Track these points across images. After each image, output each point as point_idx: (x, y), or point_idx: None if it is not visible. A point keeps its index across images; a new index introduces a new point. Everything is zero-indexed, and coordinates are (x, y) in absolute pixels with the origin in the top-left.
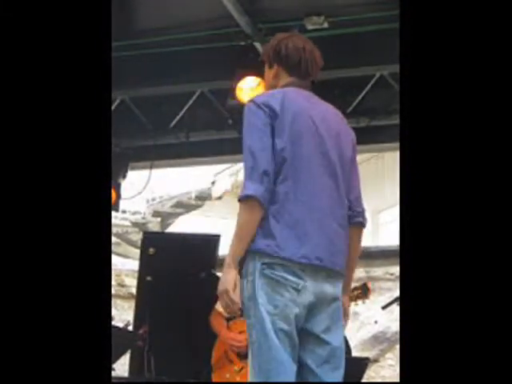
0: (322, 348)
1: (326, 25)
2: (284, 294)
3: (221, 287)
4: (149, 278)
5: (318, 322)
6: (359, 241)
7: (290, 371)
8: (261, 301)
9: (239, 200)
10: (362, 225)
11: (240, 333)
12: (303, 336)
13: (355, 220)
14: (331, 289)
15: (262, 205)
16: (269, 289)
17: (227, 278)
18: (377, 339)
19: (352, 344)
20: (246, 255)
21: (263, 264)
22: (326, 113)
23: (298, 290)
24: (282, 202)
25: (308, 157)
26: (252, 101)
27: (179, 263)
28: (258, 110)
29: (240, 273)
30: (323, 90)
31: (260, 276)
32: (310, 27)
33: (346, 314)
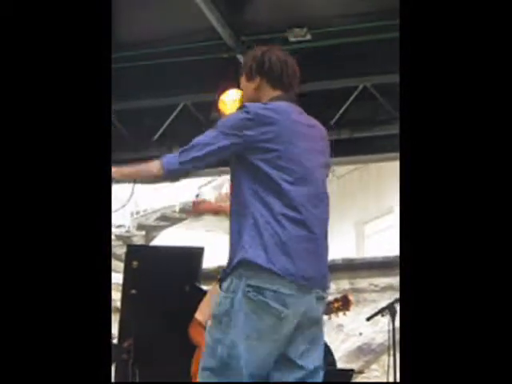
0: (297, 372)
1: (308, 37)
2: (265, 319)
3: None
4: (133, 291)
5: (295, 348)
6: None
7: None
8: (239, 323)
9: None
10: None
11: None
12: (280, 360)
13: None
14: (315, 311)
15: (163, 166)
16: (250, 312)
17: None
18: (362, 351)
19: (337, 356)
20: (231, 269)
21: (248, 286)
22: (317, 131)
23: (279, 318)
24: (276, 220)
25: (309, 170)
26: (246, 109)
27: (163, 276)
28: (245, 119)
29: (220, 285)
30: (306, 102)
31: (243, 297)
32: (292, 39)
33: None
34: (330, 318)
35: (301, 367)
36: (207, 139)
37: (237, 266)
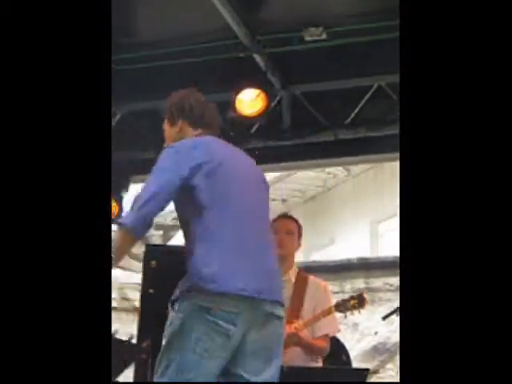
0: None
1: (324, 36)
2: (215, 338)
3: None
4: (151, 291)
5: (247, 366)
6: None
7: None
8: (189, 343)
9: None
10: None
11: None
12: (227, 376)
13: None
14: (265, 330)
15: (129, 231)
16: (200, 332)
17: None
18: (377, 350)
19: (352, 355)
20: (181, 293)
21: (197, 306)
22: (244, 159)
23: (228, 336)
24: (214, 239)
25: (237, 201)
26: (171, 146)
27: (181, 275)
28: (174, 153)
29: (172, 305)
30: (322, 101)
31: (192, 318)
32: (308, 38)
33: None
34: (345, 317)
35: (247, 381)
36: (147, 186)
37: (189, 289)
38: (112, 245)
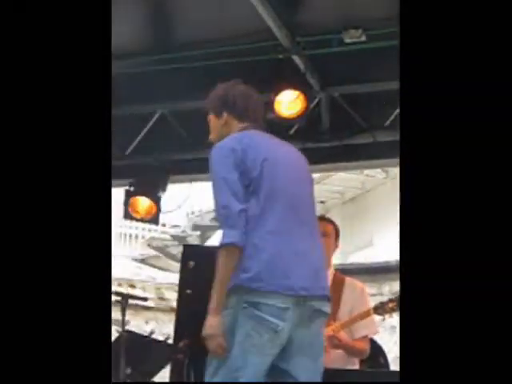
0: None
1: (363, 38)
2: (263, 334)
3: (208, 331)
4: (189, 291)
5: (296, 363)
6: None
7: None
8: (239, 338)
9: (219, 247)
10: None
11: None
12: (275, 372)
13: None
14: (312, 326)
15: (239, 247)
16: (249, 327)
17: (213, 322)
18: None
19: (390, 357)
20: (229, 290)
21: (245, 302)
22: (290, 152)
23: (276, 331)
24: (260, 237)
25: (282, 196)
26: (218, 146)
27: None
28: (224, 156)
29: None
30: (361, 103)
31: (240, 314)
32: (347, 40)
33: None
34: (384, 319)
35: (294, 378)
36: (222, 200)
37: (235, 288)
38: (220, 269)
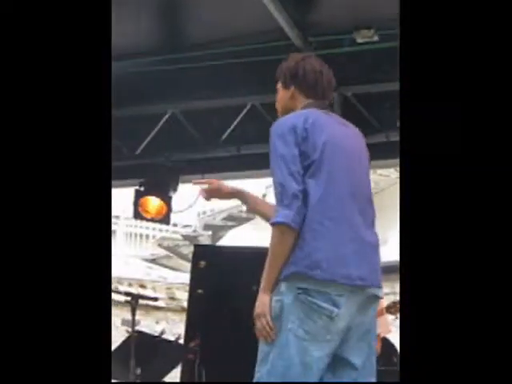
0: (350, 372)
1: (376, 38)
2: (317, 320)
3: (258, 310)
4: (200, 291)
5: (347, 347)
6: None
7: None
8: (290, 325)
9: (271, 225)
10: None
11: None
12: (335, 361)
13: None
14: (367, 310)
15: (293, 229)
16: (302, 314)
17: (263, 301)
18: None
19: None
20: (283, 278)
21: (299, 289)
22: (350, 135)
23: (331, 318)
24: (320, 223)
25: (342, 183)
26: (280, 122)
27: (230, 276)
28: (285, 132)
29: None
30: (373, 102)
31: (293, 300)
32: (359, 40)
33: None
34: (396, 318)
35: (353, 366)
36: (281, 179)
37: (289, 276)
38: (272, 248)
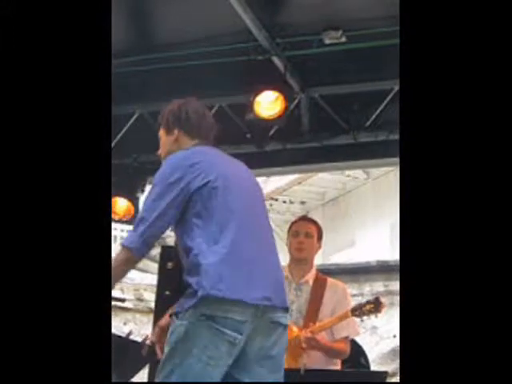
0: None
1: (343, 39)
2: (220, 347)
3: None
4: (167, 293)
5: (252, 373)
6: None
7: None
8: (195, 350)
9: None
10: None
11: None
12: (228, 377)
13: None
14: (270, 338)
15: (132, 252)
16: (206, 339)
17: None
18: (396, 353)
19: (370, 358)
20: (185, 296)
21: (202, 315)
22: (240, 169)
23: (234, 344)
24: (222, 247)
25: (237, 214)
26: (170, 158)
27: None
28: (173, 168)
29: (173, 312)
30: (341, 104)
31: (198, 325)
32: (327, 41)
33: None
34: (362, 320)
35: None
36: (150, 205)
37: (199, 302)
38: (112, 264)
